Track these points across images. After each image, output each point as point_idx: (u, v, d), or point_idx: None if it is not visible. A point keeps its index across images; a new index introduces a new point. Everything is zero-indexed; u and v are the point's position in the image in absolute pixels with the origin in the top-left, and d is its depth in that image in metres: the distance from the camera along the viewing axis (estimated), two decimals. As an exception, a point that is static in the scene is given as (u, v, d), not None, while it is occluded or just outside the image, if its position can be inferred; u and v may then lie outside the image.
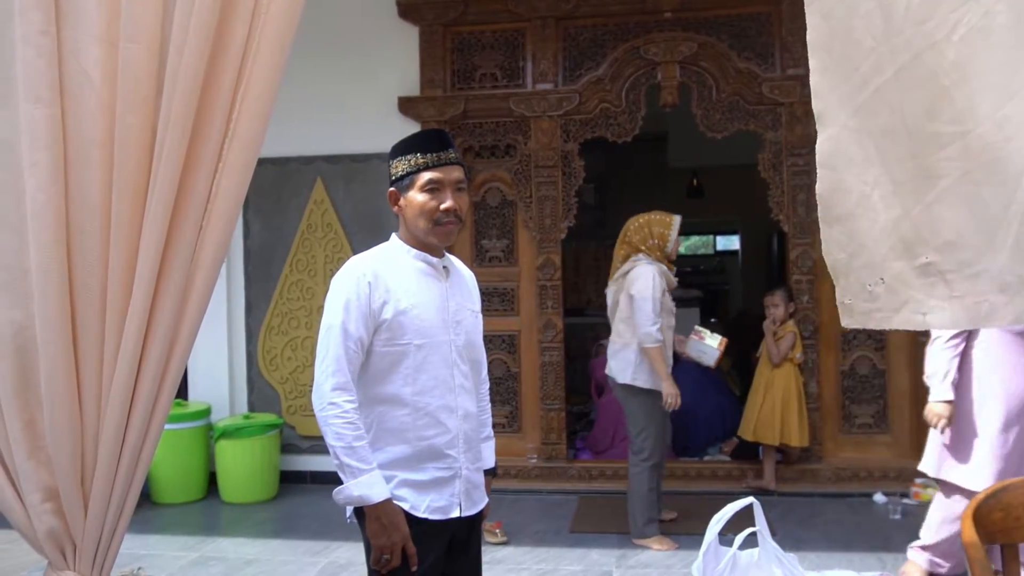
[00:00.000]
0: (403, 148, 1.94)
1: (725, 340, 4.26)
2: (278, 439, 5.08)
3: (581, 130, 5.00)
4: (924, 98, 1.17)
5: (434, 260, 1.97)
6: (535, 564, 3.78)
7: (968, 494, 2.96)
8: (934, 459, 3.21)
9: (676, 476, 4.83)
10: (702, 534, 2.14)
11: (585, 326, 6.51)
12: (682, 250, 10.57)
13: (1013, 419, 3.02)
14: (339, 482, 1.83)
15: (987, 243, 1.16)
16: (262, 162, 1.61)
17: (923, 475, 4.55)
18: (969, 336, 3.10)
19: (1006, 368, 3.05)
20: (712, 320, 6.96)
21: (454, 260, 2.07)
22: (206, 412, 5.08)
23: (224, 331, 5.23)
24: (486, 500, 2.06)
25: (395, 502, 1.84)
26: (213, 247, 1.41)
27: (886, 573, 3.44)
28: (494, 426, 2.21)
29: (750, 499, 2.17)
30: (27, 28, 1.31)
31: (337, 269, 1.95)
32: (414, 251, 1.96)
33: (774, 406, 4.64)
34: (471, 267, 2.31)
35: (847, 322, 1.34)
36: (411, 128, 4.64)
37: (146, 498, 4.80)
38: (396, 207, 1.97)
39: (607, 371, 4.07)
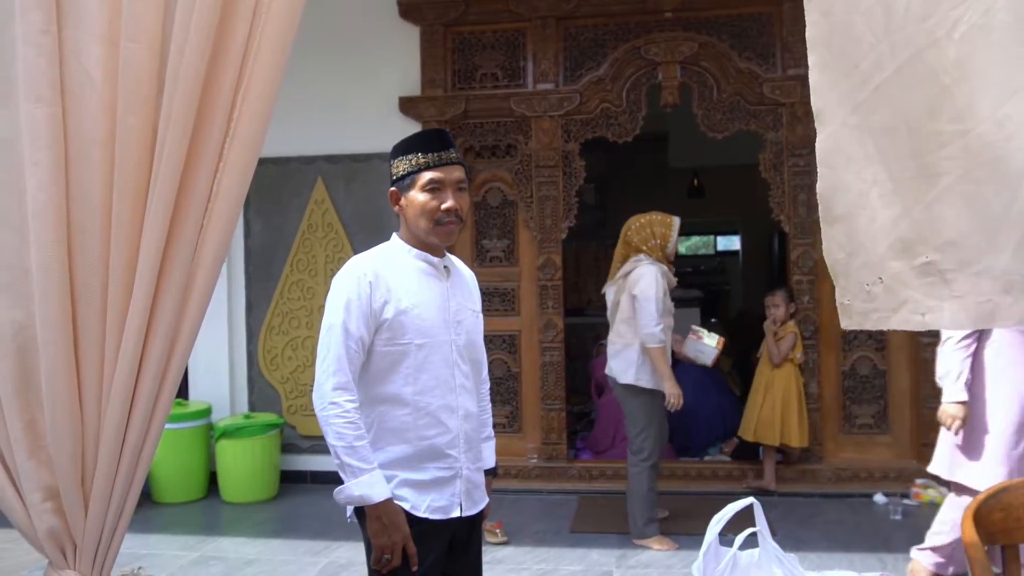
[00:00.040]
0: (404, 148, 1.95)
1: (723, 339, 4.26)
2: (278, 439, 5.08)
3: (582, 130, 5.00)
4: (925, 96, 1.17)
5: (435, 260, 1.97)
6: (535, 564, 3.78)
7: None
8: (945, 461, 3.18)
9: (676, 476, 4.84)
10: (702, 534, 2.14)
11: (585, 326, 6.51)
12: (683, 250, 10.66)
13: None
14: (340, 482, 1.83)
15: (989, 242, 1.15)
16: (263, 162, 1.61)
17: (924, 475, 4.58)
18: (980, 337, 3.08)
19: (1018, 369, 3.03)
20: (712, 320, 6.96)
21: (455, 260, 2.07)
22: (207, 412, 5.08)
23: (225, 331, 5.23)
24: (487, 500, 2.06)
25: (396, 502, 1.84)
26: (214, 247, 1.41)
27: (886, 573, 3.44)
28: (494, 426, 2.21)
29: (750, 499, 2.17)
30: (28, 27, 1.31)
31: (338, 269, 1.95)
32: (415, 251, 1.96)
33: (774, 406, 4.64)
34: (472, 267, 2.31)
35: (846, 323, 1.33)
36: (412, 128, 4.64)
37: (147, 497, 4.81)
38: (397, 207, 1.97)
39: (607, 371, 4.06)
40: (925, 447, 4.69)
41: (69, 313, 1.35)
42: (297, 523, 4.48)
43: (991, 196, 1.14)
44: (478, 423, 2.03)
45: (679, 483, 4.79)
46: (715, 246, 11.30)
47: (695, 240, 11.42)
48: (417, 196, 1.90)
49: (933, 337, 4.62)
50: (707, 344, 4.21)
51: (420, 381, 1.89)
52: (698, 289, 7.83)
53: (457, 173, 1.93)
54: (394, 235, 2.02)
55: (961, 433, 3.09)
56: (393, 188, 1.96)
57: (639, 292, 3.82)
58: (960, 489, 3.15)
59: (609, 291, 4.12)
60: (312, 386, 1.87)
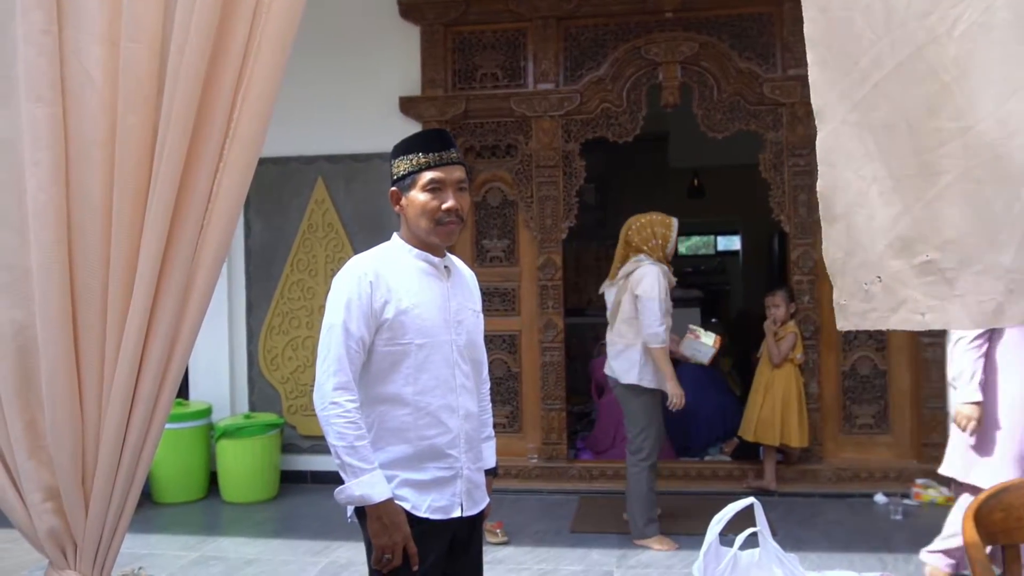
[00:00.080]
0: (405, 148, 1.95)
1: (719, 338, 4.26)
2: (279, 439, 5.08)
3: (582, 130, 5.00)
4: (925, 93, 1.16)
5: (435, 260, 1.97)
6: (536, 564, 3.78)
7: None
8: (959, 462, 3.15)
9: (677, 476, 4.84)
10: (702, 534, 2.13)
11: (586, 326, 6.51)
12: (683, 250, 10.66)
13: None
14: (340, 482, 1.83)
15: (990, 241, 1.14)
16: (263, 162, 1.61)
17: (925, 476, 4.58)
18: (992, 336, 3.06)
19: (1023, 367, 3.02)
20: (713, 320, 6.96)
21: (455, 260, 2.07)
22: (207, 412, 5.08)
23: (225, 331, 5.23)
24: (487, 500, 2.06)
25: (396, 502, 1.84)
26: (214, 246, 1.41)
27: (887, 574, 3.44)
28: (495, 426, 2.21)
29: (751, 499, 2.16)
30: (29, 27, 1.31)
31: (338, 269, 1.95)
32: (415, 251, 1.96)
33: (774, 406, 4.64)
34: (472, 267, 2.31)
35: (842, 324, 1.31)
36: (412, 128, 4.64)
37: (147, 497, 4.81)
38: (398, 207, 1.97)
39: (608, 371, 4.06)
40: (925, 447, 4.70)
41: (69, 313, 1.35)
42: (297, 523, 4.48)
43: (992, 195, 1.13)
44: (478, 423, 2.03)
45: (679, 483, 4.79)
46: (715, 246, 11.30)
47: (695, 240, 11.42)
48: (418, 196, 1.90)
49: (934, 337, 4.63)
50: (704, 343, 4.20)
51: (421, 381, 1.89)
52: (698, 289, 7.83)
53: (458, 173, 1.93)
54: (395, 235, 2.02)
55: (975, 435, 3.07)
56: (394, 188, 1.96)
57: (642, 292, 3.82)
58: (975, 491, 3.13)
59: (609, 291, 4.12)
60: (312, 386, 1.87)
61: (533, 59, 5.03)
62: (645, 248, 3.93)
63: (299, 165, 5.20)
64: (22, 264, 1.36)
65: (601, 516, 4.42)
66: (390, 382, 1.89)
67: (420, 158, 1.90)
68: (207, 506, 4.92)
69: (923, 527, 3.97)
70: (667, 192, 8.29)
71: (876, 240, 1.24)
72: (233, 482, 4.91)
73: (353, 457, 1.79)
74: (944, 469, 3.24)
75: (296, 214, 5.21)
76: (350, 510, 1.91)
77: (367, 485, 1.79)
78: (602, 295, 4.24)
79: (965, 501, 3.19)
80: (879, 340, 4.83)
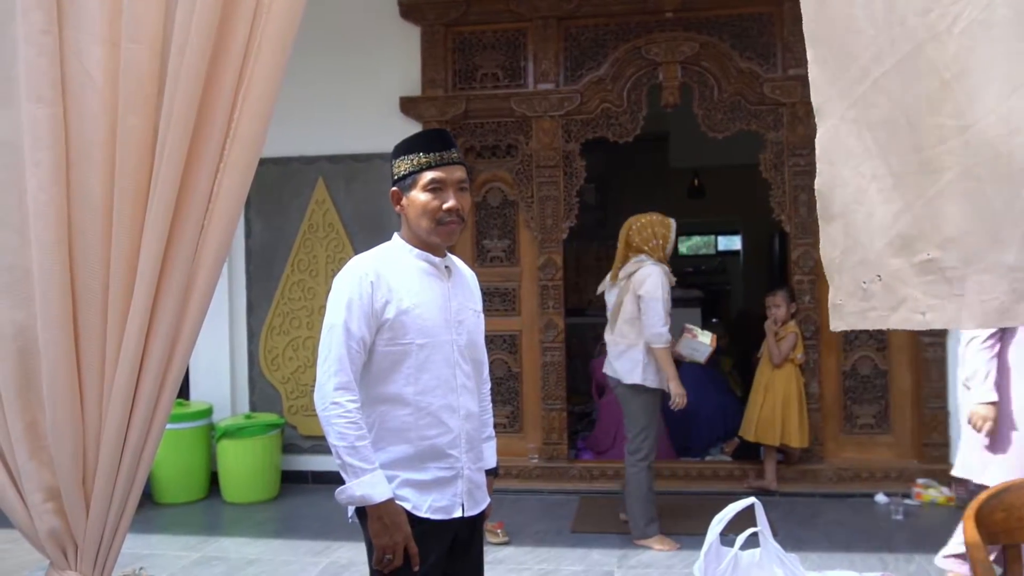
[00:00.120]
0: (405, 148, 1.95)
1: (716, 336, 4.25)
2: (279, 439, 5.08)
3: (582, 130, 5.00)
4: (924, 90, 1.15)
5: (436, 260, 1.97)
6: (536, 564, 3.78)
7: None
8: (975, 463, 3.12)
9: (677, 476, 4.84)
10: (703, 534, 2.13)
11: (586, 326, 6.51)
12: (683, 250, 10.65)
13: None
14: (341, 482, 1.83)
15: (991, 239, 1.13)
16: (263, 162, 1.61)
17: (925, 475, 4.58)
18: (1004, 336, 3.03)
19: None
20: (713, 320, 6.96)
21: (456, 260, 2.07)
22: (208, 412, 5.08)
23: (226, 331, 5.24)
24: (488, 500, 2.06)
25: (397, 502, 1.84)
26: (215, 247, 1.41)
27: (887, 574, 3.44)
28: (495, 426, 2.21)
29: (751, 499, 2.16)
30: (29, 28, 1.31)
31: (339, 269, 1.95)
32: (416, 251, 1.96)
33: (775, 406, 4.64)
34: (472, 267, 2.31)
35: (836, 325, 1.28)
36: (412, 128, 4.64)
37: (148, 498, 4.81)
38: (398, 207, 1.97)
39: (609, 372, 4.06)
40: (926, 447, 4.70)
41: (70, 314, 1.35)
42: (298, 523, 4.48)
43: (993, 193, 1.12)
44: (479, 423, 2.03)
45: (680, 483, 4.79)
46: (716, 246, 11.30)
47: (695, 240, 11.42)
48: (418, 196, 1.90)
49: (935, 337, 4.63)
50: (701, 342, 4.20)
51: (421, 381, 1.89)
52: (699, 289, 7.83)
53: (458, 173, 1.93)
54: (395, 235, 2.02)
55: (990, 434, 3.04)
56: (394, 188, 1.96)
57: (645, 292, 3.82)
58: None
59: (609, 292, 4.12)
60: (313, 386, 1.87)
61: (533, 59, 5.03)
62: (646, 248, 3.93)
63: (300, 165, 5.20)
64: (23, 265, 1.36)
65: (602, 516, 4.42)
66: (391, 382, 1.89)
67: (421, 158, 1.90)
68: (208, 506, 4.92)
69: (924, 527, 3.98)
70: (667, 192, 8.30)
71: (875, 238, 1.23)
72: (234, 482, 4.91)
73: (354, 457, 1.79)
74: (957, 471, 3.22)
75: (297, 214, 5.21)
76: (351, 510, 1.91)
77: (368, 485, 1.79)
78: (601, 295, 4.23)
79: None
80: (880, 340, 4.83)
